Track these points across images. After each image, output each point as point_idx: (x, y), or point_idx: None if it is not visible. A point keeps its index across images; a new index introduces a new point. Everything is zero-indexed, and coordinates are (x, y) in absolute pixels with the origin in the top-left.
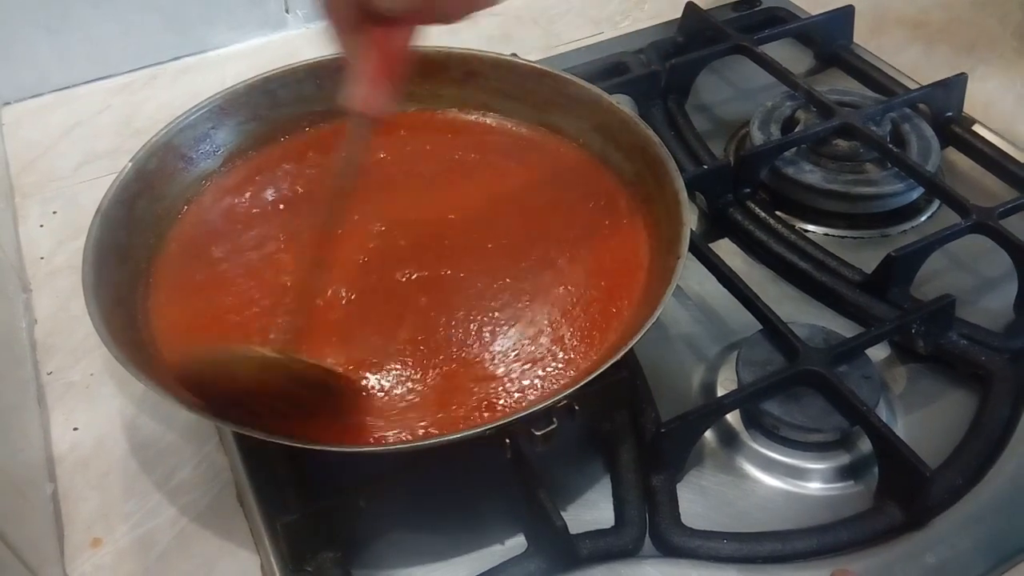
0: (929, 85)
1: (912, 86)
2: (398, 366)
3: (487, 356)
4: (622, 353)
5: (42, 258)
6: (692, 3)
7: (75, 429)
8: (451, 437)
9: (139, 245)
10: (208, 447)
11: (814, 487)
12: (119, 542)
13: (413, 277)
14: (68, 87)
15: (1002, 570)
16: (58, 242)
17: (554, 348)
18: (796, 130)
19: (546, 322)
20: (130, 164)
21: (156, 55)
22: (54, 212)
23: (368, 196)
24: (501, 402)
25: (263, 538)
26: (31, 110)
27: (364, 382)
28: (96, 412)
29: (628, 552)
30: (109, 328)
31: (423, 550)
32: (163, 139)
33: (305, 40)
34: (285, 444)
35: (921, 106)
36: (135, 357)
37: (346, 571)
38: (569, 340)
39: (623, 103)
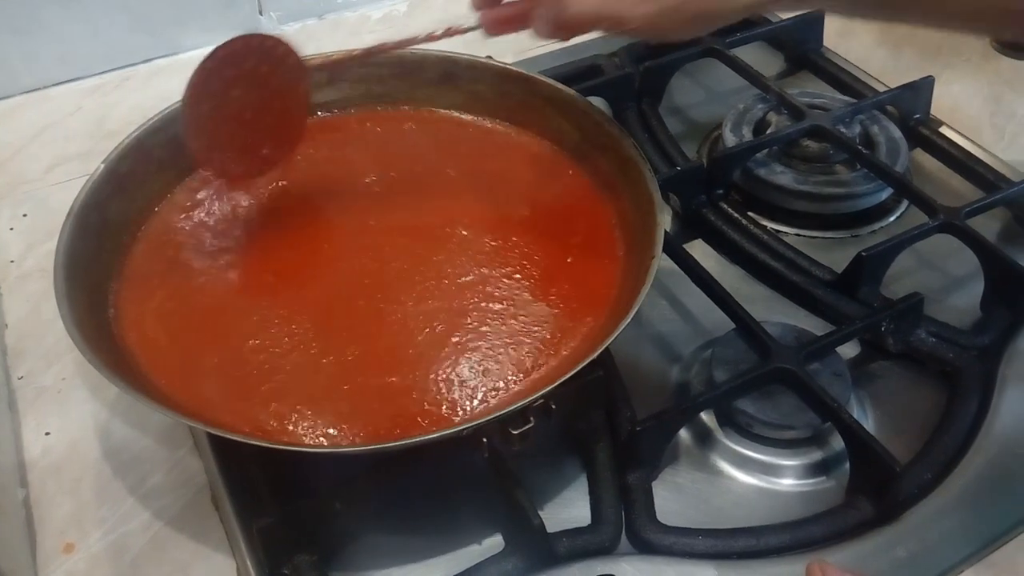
0: (897, 88)
1: (880, 89)
2: (371, 365)
3: (461, 355)
4: (598, 352)
5: (12, 261)
6: None
7: (47, 434)
8: (428, 437)
9: (112, 248)
10: (182, 451)
11: (787, 483)
12: (92, 547)
13: (383, 275)
14: (38, 89)
15: (970, 563)
16: (28, 245)
17: (528, 347)
18: (767, 132)
19: (521, 321)
20: (102, 166)
21: (127, 57)
22: (24, 215)
23: (339, 194)
24: (477, 402)
25: (239, 542)
26: (0, 112)
27: (339, 383)
28: (68, 417)
29: (605, 550)
30: (81, 331)
31: (400, 551)
32: (135, 141)
33: None
34: (260, 446)
35: (889, 108)
36: (108, 360)
37: (323, 574)
38: (544, 339)
39: (597, 106)
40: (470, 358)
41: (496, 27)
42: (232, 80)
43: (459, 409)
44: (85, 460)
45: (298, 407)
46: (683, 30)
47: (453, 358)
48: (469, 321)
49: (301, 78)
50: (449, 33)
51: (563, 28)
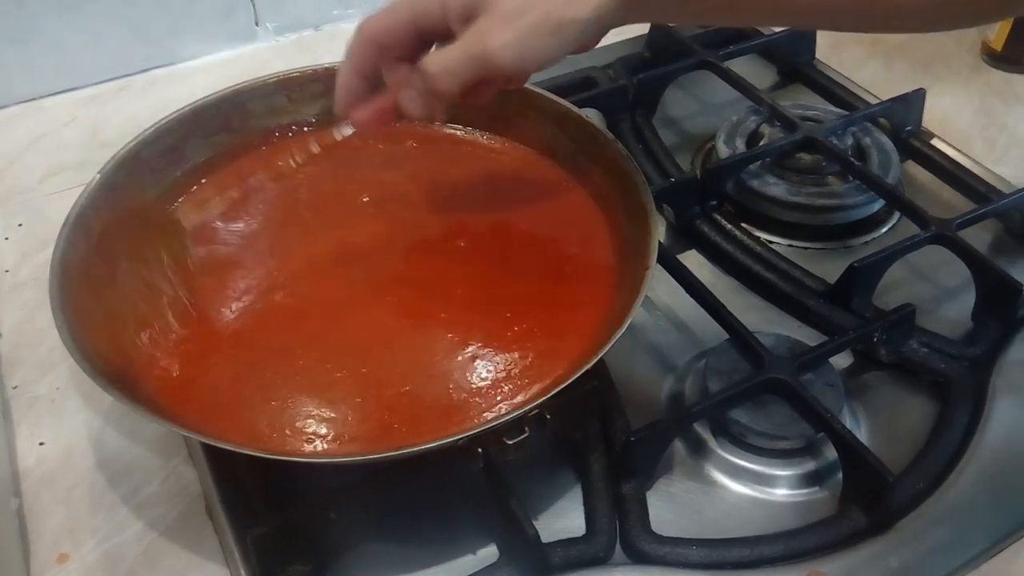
0: (889, 100)
1: (872, 101)
2: (368, 376)
3: (457, 366)
4: (592, 363)
5: (7, 271)
6: None
7: (41, 443)
8: (423, 447)
9: (108, 258)
10: (176, 460)
11: (781, 493)
12: (86, 557)
13: (377, 289)
14: (34, 99)
15: (963, 572)
16: (23, 255)
17: (524, 358)
18: (760, 144)
19: (515, 332)
20: (98, 176)
21: (124, 67)
22: (19, 224)
23: (335, 207)
24: (472, 412)
25: (233, 552)
26: None
27: (335, 393)
28: (62, 426)
29: (599, 560)
30: (76, 341)
31: (395, 561)
32: (132, 151)
33: (275, 52)
34: (254, 456)
35: (881, 120)
36: (102, 370)
37: None
38: (539, 350)
39: (591, 117)
40: (466, 367)
41: (371, 125)
42: None
43: (455, 419)
44: (79, 470)
45: (295, 418)
46: (549, 50)
47: (450, 367)
48: (463, 332)
49: None
50: (324, 145)
51: (436, 95)
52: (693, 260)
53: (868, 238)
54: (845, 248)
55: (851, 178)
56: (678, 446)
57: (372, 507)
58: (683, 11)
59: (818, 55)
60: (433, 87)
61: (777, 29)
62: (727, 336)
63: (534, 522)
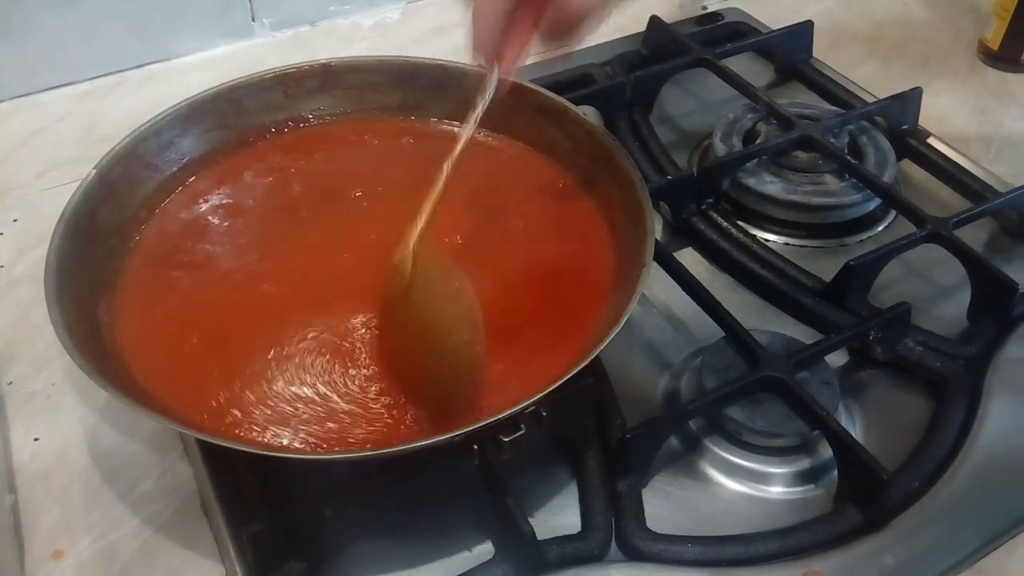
0: (886, 99)
1: (869, 100)
2: (364, 372)
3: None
4: (588, 359)
5: (2, 267)
6: (656, 17)
7: (36, 440)
8: (418, 444)
9: (102, 253)
10: (172, 457)
11: (776, 491)
12: (81, 554)
13: (372, 285)
14: (29, 94)
15: (958, 570)
16: (19, 251)
17: (520, 354)
18: (757, 142)
19: (511, 329)
20: (94, 171)
21: (120, 62)
22: (14, 220)
23: (333, 204)
24: (468, 408)
25: (228, 548)
26: None
27: (331, 389)
28: (58, 422)
29: (595, 557)
30: (72, 336)
31: (390, 558)
32: (128, 146)
33: (271, 48)
34: (250, 452)
35: (878, 119)
36: (98, 366)
37: None
38: (534, 347)
39: (588, 114)
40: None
41: (519, 64)
42: None
43: (455, 415)
44: (74, 466)
45: (290, 414)
46: None
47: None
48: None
49: None
50: (474, 118)
51: (587, 16)
52: (689, 258)
53: (864, 236)
54: (841, 246)
55: (847, 176)
56: (674, 443)
57: (368, 504)
58: None
59: (815, 53)
60: (587, 6)
61: (775, 27)
62: (723, 334)
63: (530, 519)
